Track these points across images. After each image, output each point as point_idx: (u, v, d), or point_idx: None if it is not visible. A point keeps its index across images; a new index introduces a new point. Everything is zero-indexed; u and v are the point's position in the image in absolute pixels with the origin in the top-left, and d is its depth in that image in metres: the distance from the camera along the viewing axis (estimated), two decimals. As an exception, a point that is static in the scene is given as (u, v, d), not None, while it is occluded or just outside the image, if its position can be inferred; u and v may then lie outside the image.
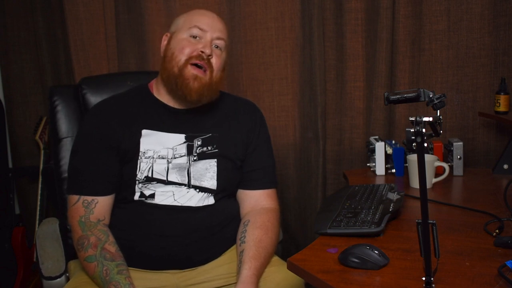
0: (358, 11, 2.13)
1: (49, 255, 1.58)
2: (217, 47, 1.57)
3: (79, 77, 2.25)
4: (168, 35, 1.62)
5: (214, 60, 1.55)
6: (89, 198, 1.50)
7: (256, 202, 1.64)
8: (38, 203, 2.29)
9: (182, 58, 1.53)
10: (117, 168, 1.54)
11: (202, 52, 1.52)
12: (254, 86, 2.24)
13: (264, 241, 1.53)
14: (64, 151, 1.78)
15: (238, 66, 2.22)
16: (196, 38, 1.55)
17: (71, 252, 1.63)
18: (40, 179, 2.30)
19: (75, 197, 1.51)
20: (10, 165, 2.45)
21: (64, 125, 1.81)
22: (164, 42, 1.62)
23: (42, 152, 2.32)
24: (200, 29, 1.55)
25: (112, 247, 1.46)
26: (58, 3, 2.28)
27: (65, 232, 1.70)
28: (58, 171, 1.78)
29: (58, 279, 1.53)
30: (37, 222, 2.27)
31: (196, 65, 1.53)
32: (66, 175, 1.72)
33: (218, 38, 1.57)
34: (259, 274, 1.47)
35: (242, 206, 1.65)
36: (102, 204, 1.51)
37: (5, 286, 2.26)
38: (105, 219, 1.52)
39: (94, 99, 1.82)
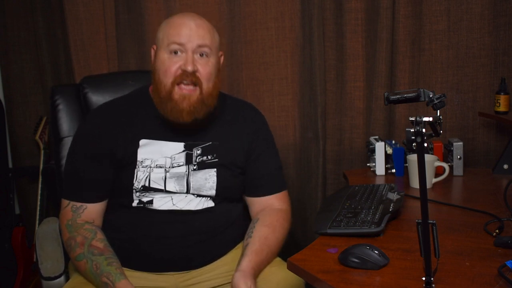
0: (358, 11, 2.13)
1: (48, 255, 1.57)
2: (202, 55, 1.50)
3: (79, 77, 2.24)
4: (155, 47, 1.56)
5: (200, 72, 1.48)
6: (78, 204, 1.52)
7: (266, 205, 1.63)
8: (38, 203, 2.29)
9: (168, 81, 1.48)
10: (109, 176, 1.53)
11: (185, 70, 1.47)
12: (254, 86, 2.24)
13: (269, 239, 1.52)
14: (65, 151, 1.77)
15: (238, 66, 2.22)
16: (177, 54, 1.48)
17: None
18: (40, 179, 2.30)
19: (66, 201, 1.53)
20: (10, 165, 2.45)
21: (65, 125, 1.81)
22: (152, 56, 1.57)
23: (42, 152, 2.31)
24: (178, 44, 1.48)
25: (100, 243, 1.46)
26: (58, 3, 2.28)
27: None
28: (59, 170, 1.78)
29: (57, 280, 1.53)
30: (37, 222, 2.27)
31: (182, 84, 1.48)
32: (65, 176, 1.73)
33: (200, 46, 1.49)
34: (258, 269, 1.46)
35: (252, 210, 1.65)
36: (90, 210, 1.52)
37: (5, 286, 2.26)
38: (94, 222, 1.52)
39: (95, 98, 1.82)
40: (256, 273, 1.45)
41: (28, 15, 2.33)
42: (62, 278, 1.54)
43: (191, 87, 1.48)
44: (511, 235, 1.35)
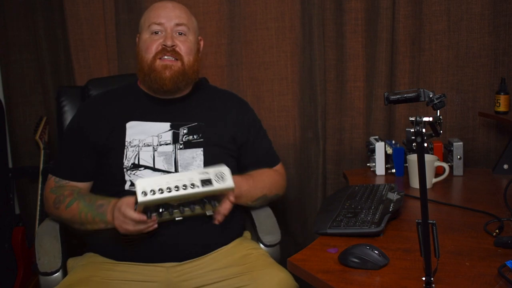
0: (358, 11, 2.13)
1: (45, 251, 1.59)
2: (180, 33, 1.62)
3: (79, 77, 2.25)
4: (138, 35, 1.69)
5: (180, 47, 1.60)
6: (61, 179, 1.62)
7: None
8: (38, 203, 2.29)
9: (149, 56, 1.60)
10: (91, 159, 1.61)
11: (165, 45, 1.59)
12: (254, 86, 2.24)
13: (266, 171, 1.66)
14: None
15: (238, 66, 2.23)
16: (158, 33, 1.61)
17: (69, 250, 1.64)
18: (40, 179, 2.29)
19: (50, 176, 1.64)
20: (10, 165, 2.45)
21: None
22: (137, 43, 1.69)
23: (42, 152, 2.31)
24: (158, 23, 1.61)
25: (86, 192, 1.59)
26: (58, 3, 2.27)
27: (65, 230, 1.70)
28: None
29: (54, 275, 1.54)
30: (37, 222, 2.27)
31: (163, 57, 1.60)
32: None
33: (178, 25, 1.62)
34: (249, 180, 1.61)
35: None
36: (73, 185, 1.61)
37: (5, 286, 2.26)
38: None
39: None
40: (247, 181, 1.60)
41: (28, 15, 2.33)
42: (59, 274, 1.55)
43: (172, 58, 1.60)
44: (511, 235, 1.35)
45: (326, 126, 2.22)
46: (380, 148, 1.96)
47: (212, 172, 1.36)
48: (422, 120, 1.03)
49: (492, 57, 2.08)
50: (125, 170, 1.57)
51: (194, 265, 1.54)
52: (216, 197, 1.42)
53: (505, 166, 1.93)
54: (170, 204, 1.37)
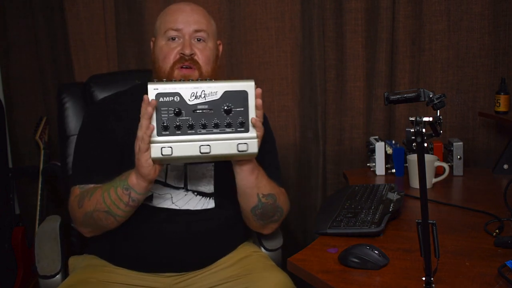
0: (358, 11, 2.13)
1: (45, 254, 1.58)
2: (199, 40, 1.52)
3: (79, 77, 2.25)
4: (153, 39, 1.58)
5: (198, 56, 1.50)
6: (86, 185, 1.48)
7: None
8: (38, 203, 2.29)
9: (167, 66, 1.50)
10: (115, 159, 1.50)
11: (183, 54, 1.49)
12: (254, 86, 2.24)
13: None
14: (72, 149, 1.74)
15: (238, 66, 2.22)
16: (175, 40, 1.51)
17: (69, 251, 1.63)
18: (40, 179, 2.30)
19: (72, 188, 1.50)
20: (10, 165, 2.45)
21: (72, 123, 1.82)
22: (151, 48, 1.59)
23: (42, 152, 2.31)
24: (175, 29, 1.50)
25: None
26: (58, 3, 2.28)
27: (66, 229, 1.70)
28: (65, 168, 1.78)
29: (53, 278, 1.53)
30: (37, 222, 2.27)
31: (182, 67, 1.50)
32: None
33: (197, 31, 1.51)
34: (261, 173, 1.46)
35: None
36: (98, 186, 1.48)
37: (5, 286, 2.26)
38: None
39: (101, 97, 1.82)
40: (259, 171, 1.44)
41: (28, 15, 2.33)
42: (58, 277, 1.54)
43: (190, 68, 1.50)
44: (511, 235, 1.35)
45: (326, 126, 2.22)
46: (380, 148, 1.96)
47: None
48: (422, 120, 1.03)
49: (492, 57, 2.08)
50: None
51: (197, 274, 1.53)
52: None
53: (505, 166, 1.93)
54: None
